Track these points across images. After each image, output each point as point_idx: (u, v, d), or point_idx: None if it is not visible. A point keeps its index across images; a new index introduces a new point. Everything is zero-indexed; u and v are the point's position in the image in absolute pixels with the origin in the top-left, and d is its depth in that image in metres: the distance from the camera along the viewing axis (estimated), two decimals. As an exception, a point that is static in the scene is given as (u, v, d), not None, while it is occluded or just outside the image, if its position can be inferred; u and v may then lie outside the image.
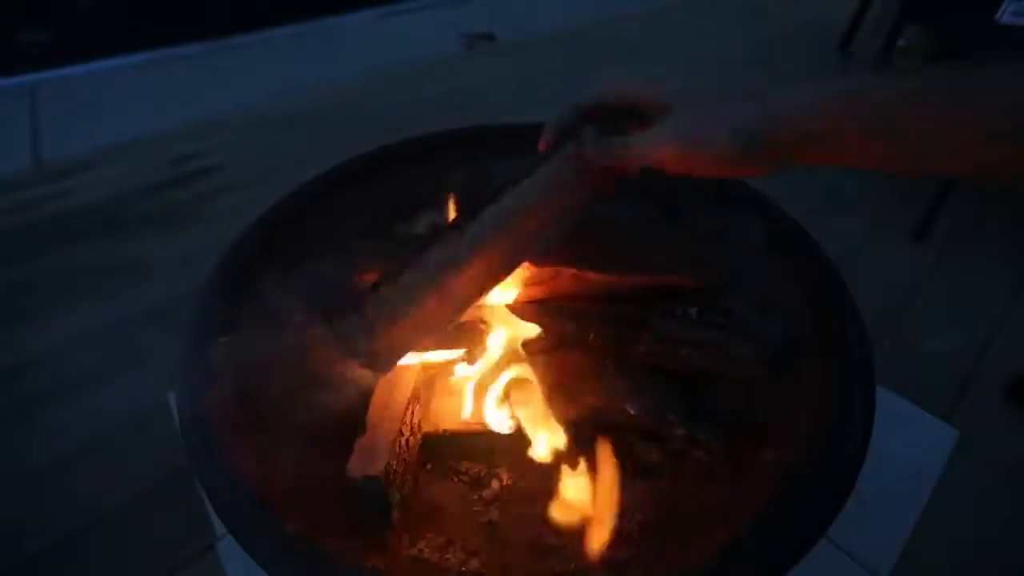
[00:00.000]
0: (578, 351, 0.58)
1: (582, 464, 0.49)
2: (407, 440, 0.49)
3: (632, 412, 0.53)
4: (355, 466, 0.46)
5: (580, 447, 0.50)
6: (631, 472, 0.52)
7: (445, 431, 0.55)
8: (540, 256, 0.55)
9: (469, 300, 0.43)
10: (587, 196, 0.43)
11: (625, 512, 0.49)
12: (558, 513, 0.48)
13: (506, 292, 0.59)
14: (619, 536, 0.47)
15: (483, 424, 0.53)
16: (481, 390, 0.53)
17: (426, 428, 0.54)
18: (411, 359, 0.52)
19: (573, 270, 0.58)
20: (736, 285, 0.59)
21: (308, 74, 2.10)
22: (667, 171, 0.36)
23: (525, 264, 0.54)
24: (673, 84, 0.37)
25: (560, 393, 0.53)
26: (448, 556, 0.46)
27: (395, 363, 0.44)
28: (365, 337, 0.40)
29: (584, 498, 0.47)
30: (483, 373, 0.54)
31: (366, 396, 0.51)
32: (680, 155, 0.35)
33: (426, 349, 0.51)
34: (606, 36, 2.42)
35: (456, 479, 0.53)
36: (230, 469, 0.42)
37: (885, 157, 0.31)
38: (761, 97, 0.33)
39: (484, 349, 0.54)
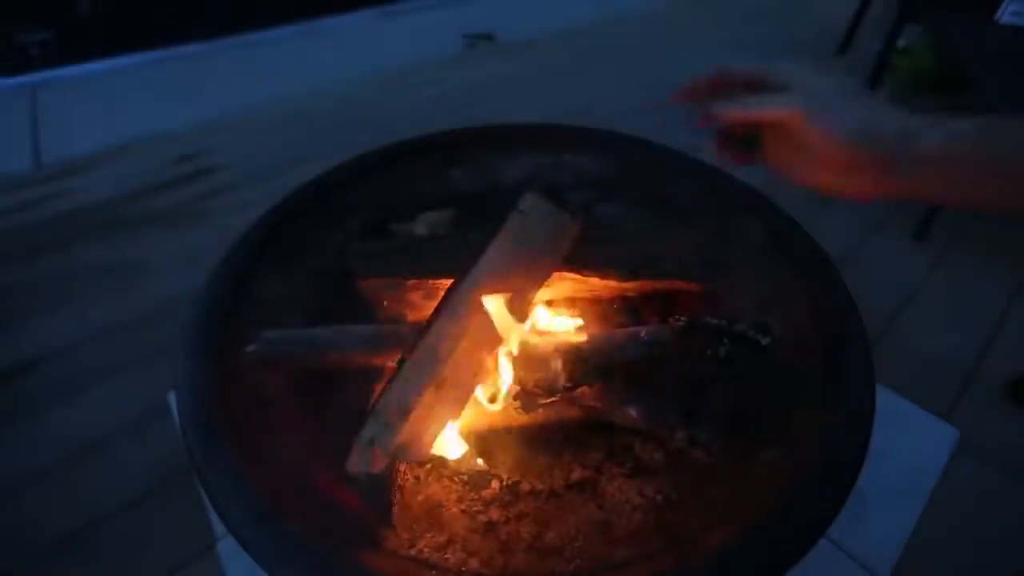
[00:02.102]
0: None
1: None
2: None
3: (633, 415, 0.52)
4: (356, 464, 0.46)
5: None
6: (631, 472, 0.52)
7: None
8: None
9: (466, 382, 0.47)
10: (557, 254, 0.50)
11: (625, 512, 0.49)
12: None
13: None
14: (619, 536, 0.47)
15: (483, 422, 0.53)
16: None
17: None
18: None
19: (575, 274, 0.58)
20: (736, 285, 0.59)
21: (308, 74, 2.10)
22: (770, 135, 0.38)
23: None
24: (812, 77, 0.38)
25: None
26: (447, 556, 0.46)
27: (423, 451, 0.47)
28: (388, 436, 0.43)
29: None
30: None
31: (367, 394, 0.51)
32: (801, 119, 0.36)
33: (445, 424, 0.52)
34: (606, 36, 2.42)
35: (455, 479, 0.53)
36: (230, 469, 0.42)
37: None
38: (884, 112, 0.35)
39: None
